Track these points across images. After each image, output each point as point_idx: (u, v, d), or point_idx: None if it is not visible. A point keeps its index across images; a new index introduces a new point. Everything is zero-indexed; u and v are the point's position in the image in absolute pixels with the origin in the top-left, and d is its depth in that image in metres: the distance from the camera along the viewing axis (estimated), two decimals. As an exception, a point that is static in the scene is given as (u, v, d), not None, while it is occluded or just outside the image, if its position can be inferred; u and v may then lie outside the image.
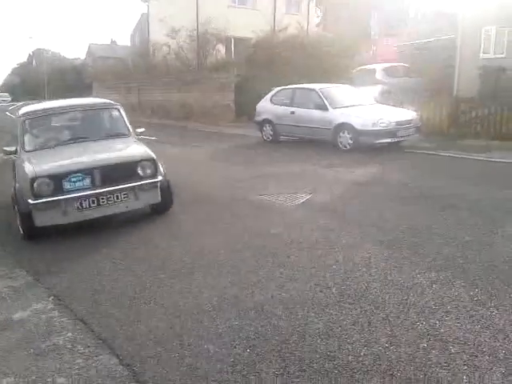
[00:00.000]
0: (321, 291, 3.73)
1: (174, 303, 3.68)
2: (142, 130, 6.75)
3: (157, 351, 3.06)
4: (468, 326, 3.15)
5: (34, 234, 5.33)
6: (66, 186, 5.19)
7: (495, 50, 15.96)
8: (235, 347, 3.04)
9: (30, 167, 5.29)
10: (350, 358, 2.87)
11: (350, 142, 10.24)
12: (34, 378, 2.90)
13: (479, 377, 2.66)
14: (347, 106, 10.84)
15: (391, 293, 3.64)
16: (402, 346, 2.96)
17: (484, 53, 16.17)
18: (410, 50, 21.56)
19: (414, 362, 2.81)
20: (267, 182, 7.63)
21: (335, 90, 11.68)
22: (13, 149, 5.98)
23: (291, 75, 15.61)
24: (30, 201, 5.08)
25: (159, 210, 6.05)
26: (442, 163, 8.99)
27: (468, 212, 5.59)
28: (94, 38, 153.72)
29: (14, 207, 5.57)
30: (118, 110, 6.59)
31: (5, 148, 6.12)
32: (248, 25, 22.30)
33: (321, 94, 11.11)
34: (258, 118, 12.79)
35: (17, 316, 3.68)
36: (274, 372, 2.78)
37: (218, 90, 18.96)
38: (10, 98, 52.39)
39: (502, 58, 15.40)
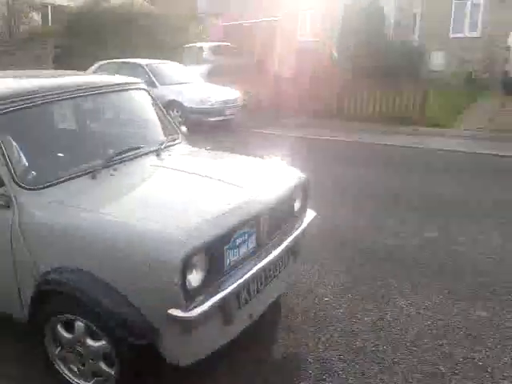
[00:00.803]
0: None
1: None
2: (185, 128, 3.80)
3: None
4: None
5: None
6: (231, 257, 2.47)
7: (311, 34, 17.30)
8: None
9: (143, 232, 2.25)
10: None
11: (180, 119, 10.24)
12: None
13: None
14: (176, 84, 10.79)
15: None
16: None
17: (301, 35, 17.41)
18: (236, 29, 22.16)
19: None
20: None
21: (163, 67, 11.50)
22: None
23: (117, 49, 14.94)
24: (174, 313, 2.14)
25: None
26: (265, 139, 9.52)
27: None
28: None
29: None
30: (148, 93, 3.77)
31: None
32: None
33: (148, 70, 10.85)
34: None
35: None
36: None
37: (34, 62, 17.27)
38: None
39: (316, 40, 16.76)
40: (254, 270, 2.54)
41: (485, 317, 3.30)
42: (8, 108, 2.61)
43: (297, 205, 3.13)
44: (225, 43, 18.76)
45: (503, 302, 3.47)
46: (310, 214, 3.27)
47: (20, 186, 2.47)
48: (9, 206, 2.46)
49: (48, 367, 2.55)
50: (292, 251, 3.03)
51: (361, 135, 9.78)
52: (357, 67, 13.48)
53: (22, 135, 2.70)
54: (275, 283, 2.86)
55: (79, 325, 2.34)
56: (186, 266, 2.12)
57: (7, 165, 2.47)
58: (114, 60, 11.83)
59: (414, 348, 2.97)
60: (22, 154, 2.60)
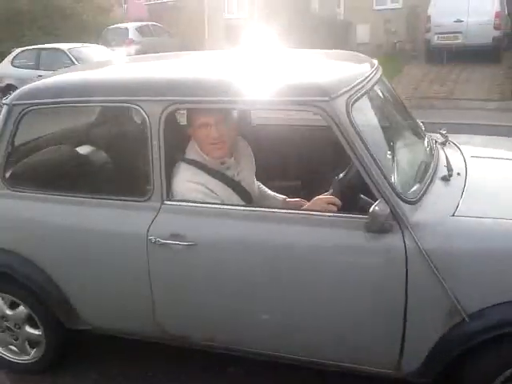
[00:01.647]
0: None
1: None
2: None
3: None
4: None
5: None
6: None
7: (238, 11, 17.12)
8: None
9: None
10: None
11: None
12: None
13: None
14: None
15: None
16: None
17: (228, 12, 17.19)
18: (160, 9, 21.55)
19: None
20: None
21: (87, 51, 11.02)
22: None
23: (36, 34, 14.14)
24: None
25: None
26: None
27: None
28: None
29: None
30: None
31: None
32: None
33: (70, 54, 10.39)
34: (1, 85, 11.32)
35: None
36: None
37: None
38: None
39: (243, 17, 16.61)
40: None
41: None
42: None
43: None
44: (152, 23, 18.20)
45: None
46: None
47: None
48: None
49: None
50: None
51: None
52: (285, 43, 13.48)
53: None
54: None
55: None
56: None
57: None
58: (33, 46, 11.21)
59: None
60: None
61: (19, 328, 2.48)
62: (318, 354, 2.08)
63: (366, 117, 2.08)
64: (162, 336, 2.27)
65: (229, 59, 2.75)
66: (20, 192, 2.30)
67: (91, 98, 2.25)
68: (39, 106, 2.28)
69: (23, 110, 2.25)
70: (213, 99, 2.04)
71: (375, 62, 2.45)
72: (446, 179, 2.12)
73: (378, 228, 1.79)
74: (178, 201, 2.09)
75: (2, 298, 2.47)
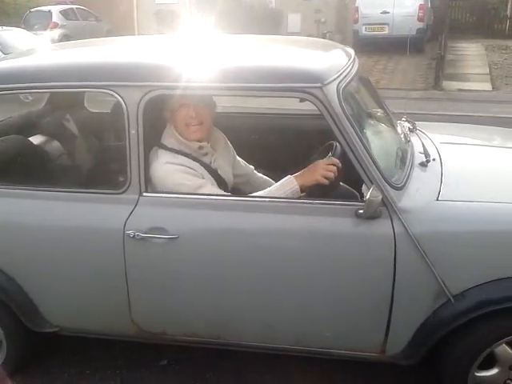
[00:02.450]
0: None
1: None
2: None
3: None
4: None
5: None
6: None
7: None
8: None
9: None
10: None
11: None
12: None
13: None
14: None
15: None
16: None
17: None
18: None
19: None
20: None
21: (7, 35, 10.37)
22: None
23: None
24: None
25: None
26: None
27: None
28: None
29: None
30: None
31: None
32: None
33: (-12, 38, 9.72)
34: None
35: None
36: None
37: None
38: None
39: (175, 3, 16.29)
40: None
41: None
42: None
43: None
44: (77, 6, 17.36)
45: None
46: None
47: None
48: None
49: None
50: None
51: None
52: (218, 31, 13.37)
53: None
54: None
55: None
56: None
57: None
58: None
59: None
60: None
61: None
62: (304, 342, 2.05)
63: (351, 104, 2.08)
64: (137, 334, 2.16)
65: (192, 45, 2.56)
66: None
67: (56, 84, 2.08)
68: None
69: None
70: (199, 85, 1.93)
71: (351, 50, 2.42)
72: (423, 165, 2.16)
73: (371, 214, 1.80)
74: (158, 192, 2.00)
75: None
